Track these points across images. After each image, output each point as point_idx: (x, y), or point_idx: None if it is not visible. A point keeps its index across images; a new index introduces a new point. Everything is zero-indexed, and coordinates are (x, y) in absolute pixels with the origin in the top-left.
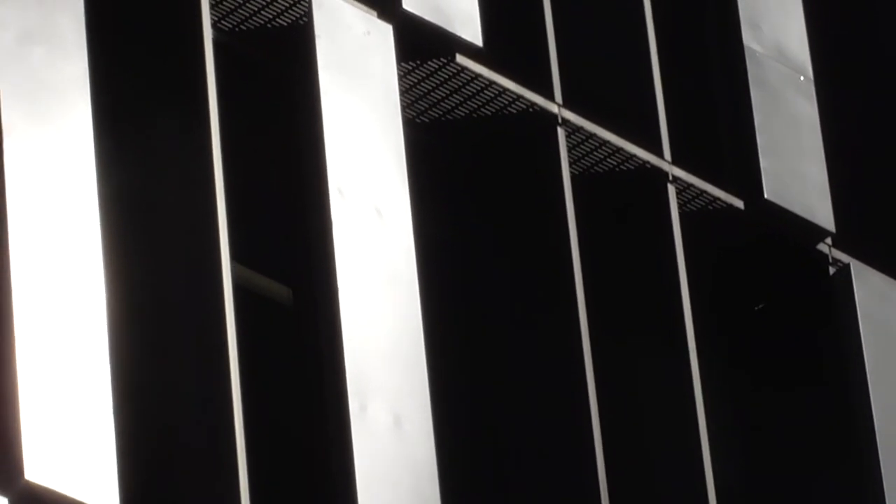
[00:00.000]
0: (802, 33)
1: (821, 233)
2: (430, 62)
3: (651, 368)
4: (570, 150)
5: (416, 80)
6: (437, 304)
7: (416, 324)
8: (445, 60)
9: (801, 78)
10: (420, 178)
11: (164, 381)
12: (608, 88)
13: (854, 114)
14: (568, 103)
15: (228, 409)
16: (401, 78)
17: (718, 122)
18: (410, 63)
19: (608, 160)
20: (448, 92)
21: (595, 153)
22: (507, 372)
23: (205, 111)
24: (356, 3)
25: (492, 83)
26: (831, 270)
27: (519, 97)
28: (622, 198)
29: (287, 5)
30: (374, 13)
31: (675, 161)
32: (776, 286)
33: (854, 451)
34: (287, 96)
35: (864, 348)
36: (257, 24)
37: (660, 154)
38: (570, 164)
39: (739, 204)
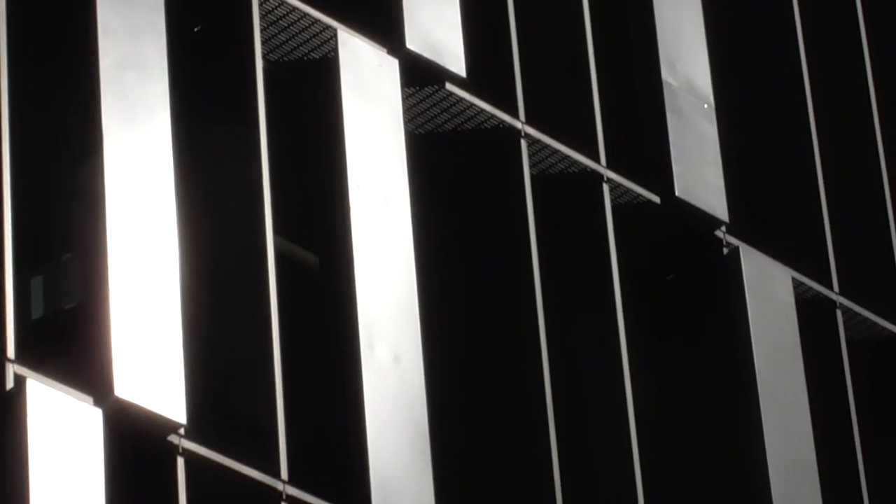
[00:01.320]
0: (707, 71)
1: (717, 222)
2: (426, 88)
3: (589, 321)
4: (530, 157)
5: (415, 102)
6: (427, 271)
7: (412, 286)
8: (437, 87)
9: (706, 105)
10: (418, 176)
11: (221, 323)
12: (560, 110)
13: (745, 132)
14: (529, 121)
15: (269, 346)
16: (404, 100)
17: (643, 138)
18: (411, 88)
19: (558, 164)
20: (439, 111)
21: (549, 159)
22: (480, 323)
23: (255, 123)
24: (371, 42)
25: (472, 105)
26: (725, 251)
27: (492, 115)
28: (569, 193)
29: (319, 43)
30: (385, 50)
31: (609, 166)
32: (683, 262)
33: (740, 386)
34: (318, 112)
35: (748, 310)
36: (297, 57)
37: (597, 161)
38: (530, 167)
39: (657, 199)
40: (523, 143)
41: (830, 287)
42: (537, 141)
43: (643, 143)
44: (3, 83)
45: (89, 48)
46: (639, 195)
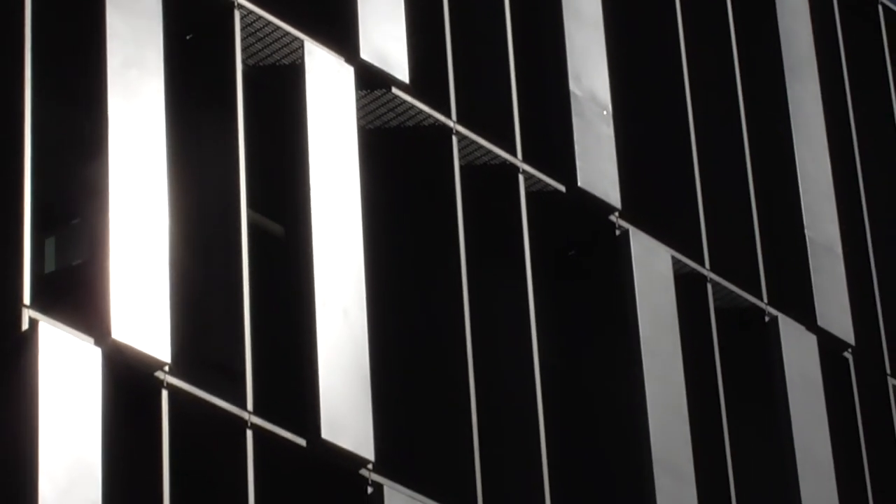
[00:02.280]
0: (606, 83)
1: (611, 209)
2: (375, 91)
3: (505, 288)
4: (459, 150)
5: (366, 103)
6: (373, 242)
7: (360, 254)
8: (385, 91)
9: (604, 112)
10: (367, 163)
11: (201, 280)
12: (485, 112)
13: (636, 134)
14: (460, 121)
15: (240, 300)
16: (357, 101)
17: (552, 137)
18: (363, 91)
19: (482, 157)
20: (386, 111)
21: (475, 153)
22: (415, 287)
23: (235, 115)
24: (332, 52)
25: (413, 106)
26: (617, 233)
27: (429, 115)
28: (490, 181)
29: (289, 52)
30: (343, 59)
31: (525, 160)
32: (583, 241)
33: (627, 345)
34: (286, 108)
35: (635, 282)
36: (270, 63)
37: (515, 155)
38: (459, 159)
39: (563, 188)
40: (454, 139)
41: (702, 264)
42: (466, 137)
43: (553, 142)
44: (26, 76)
45: (99, 49)
46: (548, 184)
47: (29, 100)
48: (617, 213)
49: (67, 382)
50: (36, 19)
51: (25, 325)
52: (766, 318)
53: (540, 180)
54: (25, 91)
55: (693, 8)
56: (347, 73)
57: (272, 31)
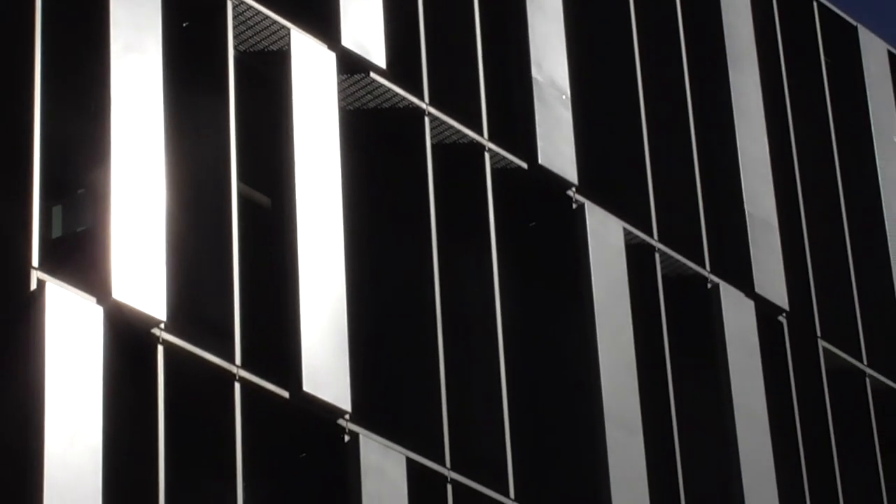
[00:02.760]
0: (565, 70)
1: (569, 184)
2: (355, 75)
3: (471, 256)
4: (431, 130)
5: (347, 86)
6: (353, 212)
7: (339, 222)
8: (364, 75)
9: (563, 96)
10: (347, 141)
11: (195, 246)
12: (455, 95)
13: (591, 117)
14: (432, 103)
15: (230, 264)
16: (339, 84)
17: (516, 118)
18: (344, 75)
19: (452, 136)
20: (365, 93)
21: (445, 132)
22: (390, 254)
23: (227, 96)
24: (316, 39)
25: (389, 89)
26: (574, 206)
27: (404, 98)
28: (459, 158)
29: (276, 38)
30: (325, 46)
31: (490, 139)
32: (543, 213)
33: (581, 309)
34: (274, 90)
35: (590, 252)
36: (260, 49)
37: (481, 135)
38: (431, 138)
39: (525, 165)
40: (426, 119)
41: (651, 235)
42: (437, 118)
43: (516, 123)
44: (36, 59)
45: (103, 35)
46: (512, 162)
47: (38, 82)
48: (574, 189)
49: (71, 338)
50: (46, 7)
51: (34, 286)
52: (709, 285)
53: (504, 158)
54: (35, 73)
55: (645, 4)
56: (329, 58)
57: (261, 20)
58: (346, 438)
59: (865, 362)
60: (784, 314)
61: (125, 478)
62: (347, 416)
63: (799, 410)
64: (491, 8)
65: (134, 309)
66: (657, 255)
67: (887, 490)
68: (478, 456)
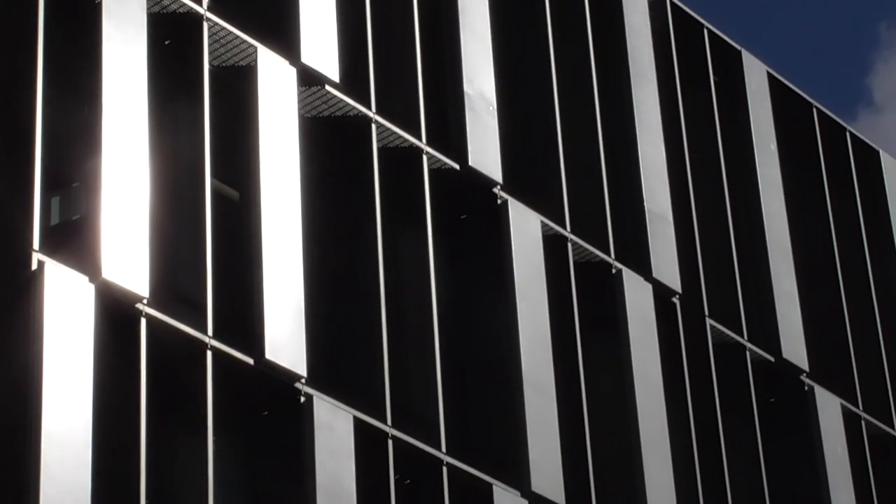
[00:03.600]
0: (492, 84)
1: (494, 182)
2: (312, 87)
3: (410, 243)
4: (377, 135)
5: (305, 96)
6: (309, 204)
7: (297, 212)
8: (320, 87)
9: (490, 107)
10: (305, 144)
11: (174, 231)
12: (398, 106)
13: (514, 126)
14: (378, 112)
15: (204, 248)
16: (298, 94)
17: (450, 126)
18: (303, 87)
19: (395, 141)
20: (321, 102)
21: (389, 137)
22: (342, 238)
23: (202, 104)
24: (279, 56)
25: (342, 100)
26: (499, 202)
27: (354, 107)
28: (402, 160)
29: (246, 55)
30: (287, 61)
31: (428, 143)
32: (472, 208)
33: (503, 289)
34: (243, 99)
35: (511, 239)
36: (231, 63)
37: (420, 140)
38: (377, 142)
39: (457, 166)
40: (373, 126)
41: (564, 227)
42: (382, 125)
43: (450, 129)
44: (38, 72)
45: (96, 50)
46: (446, 163)
47: (40, 89)
48: (499, 187)
49: (67, 311)
50: (47, 25)
51: (34, 266)
52: (613, 271)
53: (439, 160)
54: (38, 82)
55: (561, 30)
56: (290, 73)
57: (232, 39)
58: (302, 399)
59: (746, 337)
60: (677, 296)
61: (112, 432)
62: (303, 380)
63: (689, 378)
64: (429, 31)
65: (120, 286)
66: (569, 245)
67: (763, 447)
68: (414, 415)
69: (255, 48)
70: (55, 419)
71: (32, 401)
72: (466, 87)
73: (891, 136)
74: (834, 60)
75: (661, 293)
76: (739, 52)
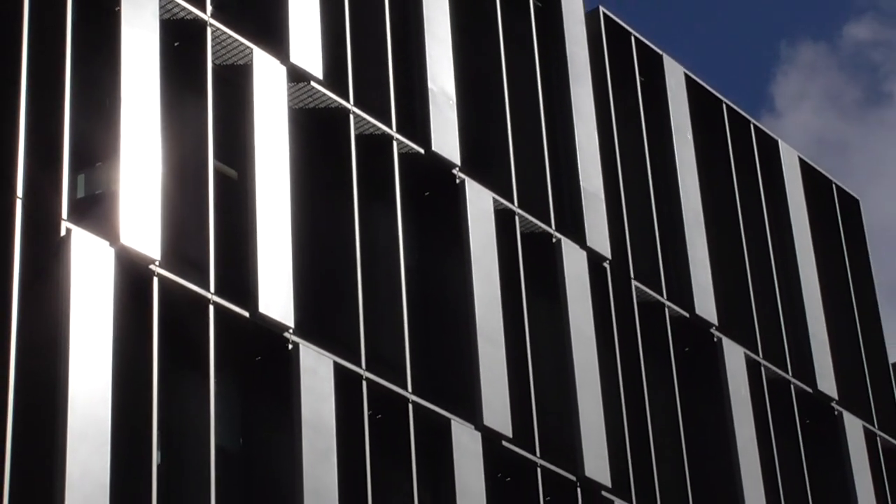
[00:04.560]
0: (452, 83)
1: (453, 165)
2: (300, 83)
3: (381, 217)
4: (355, 125)
5: (293, 91)
6: (296, 182)
7: (286, 190)
8: (306, 83)
9: (451, 102)
10: (294, 131)
11: (182, 203)
12: (372, 100)
13: (470, 116)
14: (356, 104)
15: (207, 216)
16: (288, 89)
17: (416, 118)
18: (292, 83)
19: (370, 130)
20: (307, 96)
21: (365, 126)
22: (323, 213)
23: (206, 97)
24: (271, 56)
25: (325, 94)
26: (457, 181)
27: (335, 100)
28: (376, 146)
29: (243, 56)
30: (278, 61)
31: (398, 131)
32: (436, 186)
33: (460, 247)
34: (241, 93)
35: (468, 213)
36: (230, 63)
37: (391, 128)
38: (355, 130)
39: (422, 151)
40: (351, 116)
41: (513, 203)
42: (359, 116)
43: (416, 120)
44: (66, 69)
45: (116, 50)
46: (413, 148)
47: (68, 85)
48: (457, 168)
49: (90, 272)
50: (74, 30)
51: (63, 233)
52: (553, 240)
53: (408, 145)
54: (66, 79)
55: (510, 36)
56: (281, 71)
57: (232, 42)
58: (290, 347)
59: (665, 297)
60: (607, 261)
61: (128, 373)
62: (291, 331)
63: (616, 331)
64: (399, 37)
65: (136, 250)
66: (517, 218)
67: (679, 389)
68: (385, 360)
69: (251, 49)
70: (81, 362)
71: (62, 346)
72: (430, 85)
73: (788, 135)
74: (742, 71)
75: (594, 259)
76: (661, 57)
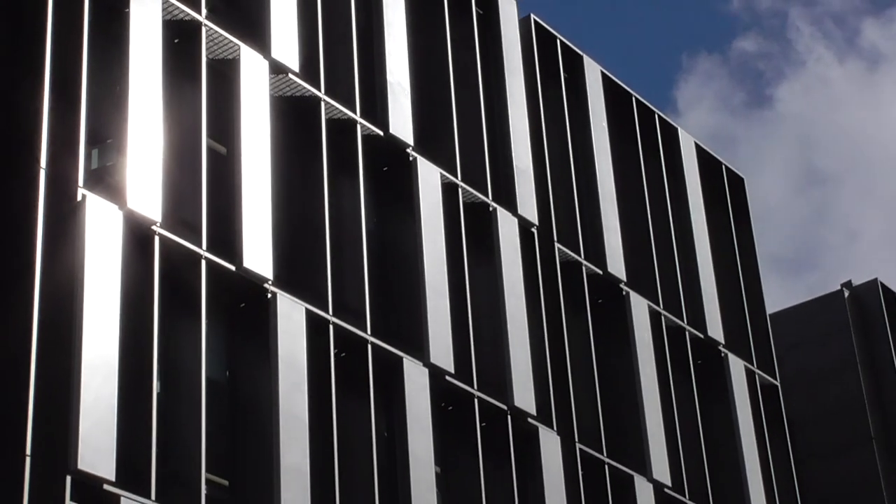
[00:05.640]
0: (407, 74)
1: (407, 145)
2: (279, 75)
3: (347, 185)
4: (325, 112)
5: (274, 81)
6: (276, 158)
7: (267, 164)
8: (285, 75)
9: (406, 92)
10: (274, 117)
11: (180, 173)
12: (340, 89)
13: (421, 104)
14: (327, 93)
15: (200, 186)
16: (269, 80)
17: (377, 103)
18: (273, 75)
19: (338, 115)
20: (285, 86)
21: (334, 112)
22: (298, 182)
23: (200, 85)
24: (255, 52)
25: (300, 84)
26: (411, 159)
27: (309, 90)
28: (343, 130)
29: (231, 51)
30: (262, 56)
31: (361, 116)
32: (392, 162)
33: (412, 211)
34: (230, 83)
35: (419, 186)
36: (221, 57)
37: (355, 113)
38: (325, 115)
39: (381, 133)
40: (322, 104)
41: (457, 177)
42: (329, 103)
43: (377, 106)
44: (84, 61)
45: (125, 46)
46: (374, 131)
47: (85, 75)
48: (411, 148)
49: (102, 232)
50: (91, 29)
51: (79, 198)
52: (490, 209)
53: (369, 128)
54: (83, 70)
55: (456, 37)
56: (264, 64)
57: (222, 39)
58: (269, 296)
59: (583, 257)
60: (535, 227)
61: (133, 318)
62: (270, 282)
63: (542, 286)
64: (363, 36)
65: (140, 213)
66: (460, 190)
67: (594, 336)
68: (349, 308)
69: (239, 46)
70: (93, 306)
71: (77, 293)
72: (389, 77)
73: (687, 130)
74: (650, 77)
75: (524, 225)
76: (582, 57)
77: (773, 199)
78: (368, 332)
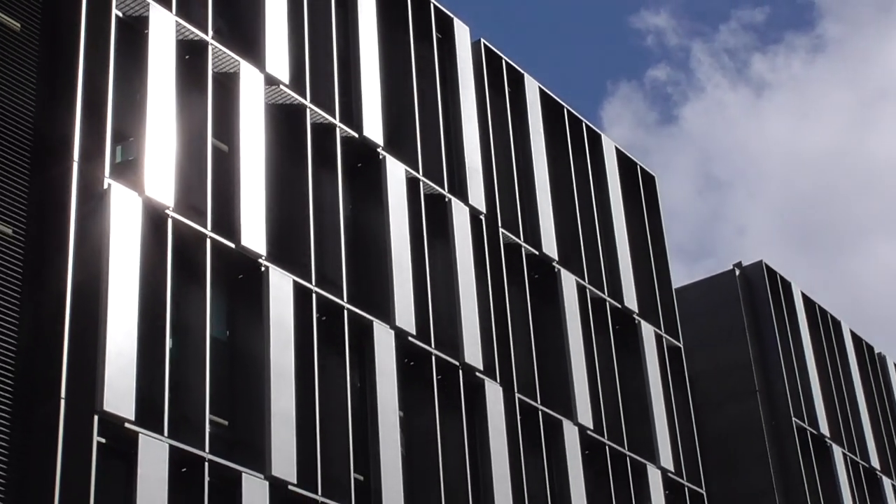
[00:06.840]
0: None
1: (378, 145)
2: (273, 86)
3: (327, 179)
4: (311, 118)
5: (268, 92)
6: (268, 155)
7: (262, 158)
8: (277, 86)
9: (377, 102)
10: (267, 122)
11: (189, 166)
12: (323, 99)
13: (390, 106)
14: (312, 102)
15: (205, 177)
16: (264, 90)
17: (354, 108)
18: (268, 86)
19: (321, 120)
20: (277, 96)
21: (318, 118)
22: (286, 174)
23: (206, 94)
24: (252, 66)
25: (290, 94)
26: (380, 157)
27: (297, 99)
28: (323, 131)
29: (233, 66)
30: (258, 70)
31: (340, 121)
32: (365, 160)
33: (380, 200)
34: (231, 92)
35: (387, 181)
36: (224, 71)
37: (335, 118)
38: (310, 122)
39: (356, 135)
40: (308, 111)
41: (418, 173)
42: (315, 111)
43: (353, 115)
44: (110, 69)
45: (145, 60)
46: (350, 133)
47: (111, 85)
48: (381, 147)
49: (125, 216)
50: (117, 48)
51: (105, 186)
52: (447, 199)
53: (346, 131)
54: (109, 82)
55: (418, 55)
56: (260, 77)
57: (225, 56)
58: (263, 269)
59: (522, 240)
60: (483, 215)
61: (150, 289)
62: (263, 258)
63: (489, 264)
64: (342, 56)
65: (156, 200)
66: (421, 184)
67: (532, 307)
68: (329, 279)
69: (239, 62)
70: (117, 277)
71: (104, 266)
72: (363, 89)
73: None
74: (580, 100)
75: (474, 213)
76: (523, 75)
77: (678, 200)
78: (345, 300)
